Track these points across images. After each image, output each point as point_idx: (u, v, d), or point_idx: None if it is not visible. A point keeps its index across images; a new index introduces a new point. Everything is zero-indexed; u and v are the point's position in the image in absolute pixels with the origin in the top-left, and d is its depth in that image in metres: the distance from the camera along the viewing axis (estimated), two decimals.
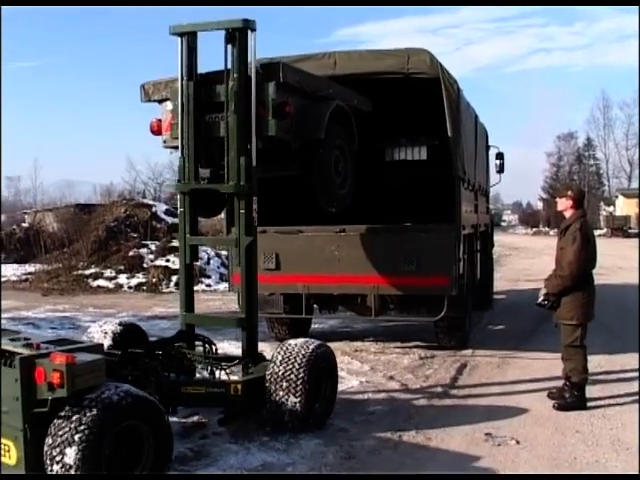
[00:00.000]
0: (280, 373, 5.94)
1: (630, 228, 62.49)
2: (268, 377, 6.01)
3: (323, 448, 5.77)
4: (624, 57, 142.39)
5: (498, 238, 22.53)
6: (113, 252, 20.71)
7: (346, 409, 6.84)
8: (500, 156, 14.72)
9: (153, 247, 20.57)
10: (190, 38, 6.33)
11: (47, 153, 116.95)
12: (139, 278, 18.96)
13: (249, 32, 6.14)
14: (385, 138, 10.90)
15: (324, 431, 6.19)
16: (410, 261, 8.75)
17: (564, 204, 7.15)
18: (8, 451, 4.47)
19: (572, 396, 7.01)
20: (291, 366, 5.96)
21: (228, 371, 6.51)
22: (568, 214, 7.13)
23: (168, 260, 19.49)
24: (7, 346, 4.74)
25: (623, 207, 71.82)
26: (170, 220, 24.48)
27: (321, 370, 6.22)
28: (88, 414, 4.30)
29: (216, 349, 6.79)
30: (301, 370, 5.94)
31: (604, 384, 7.91)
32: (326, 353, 6.40)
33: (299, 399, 5.89)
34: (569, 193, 7.16)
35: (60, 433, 4.29)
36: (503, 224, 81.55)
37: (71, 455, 4.23)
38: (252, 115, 6.15)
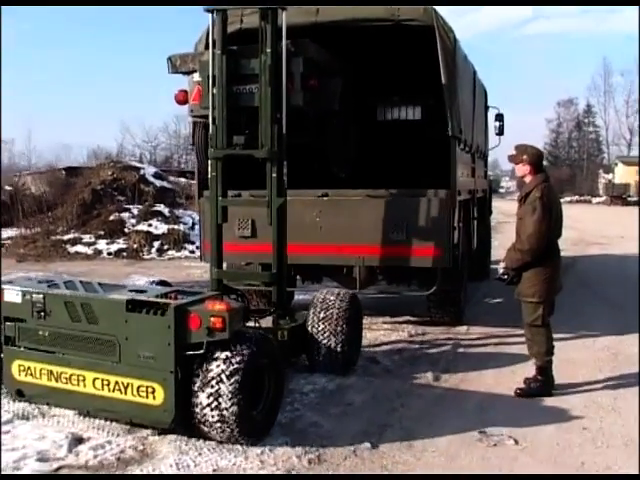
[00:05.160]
0: (321, 320, 6.64)
1: (629, 196, 61.71)
2: (310, 324, 6.67)
3: (289, 449, 4.91)
4: (627, 23, 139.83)
5: (496, 204, 21.67)
6: (93, 216, 19.79)
7: (321, 398, 6.04)
8: (500, 117, 13.71)
9: (135, 211, 19.64)
10: (223, 14, 6.59)
11: (42, 115, 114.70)
12: (119, 244, 18.06)
13: (280, 11, 6.46)
14: (377, 96, 10.16)
15: (293, 426, 5.37)
16: (399, 230, 7.94)
17: (522, 170, 6.38)
18: (152, 392, 4.84)
19: (535, 381, 6.31)
20: (330, 314, 6.65)
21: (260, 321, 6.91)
22: (528, 180, 6.36)
23: (150, 225, 18.64)
24: (139, 297, 5.12)
25: (622, 175, 70.85)
26: (159, 183, 23.67)
27: (353, 317, 6.81)
28: (243, 352, 4.81)
29: (249, 302, 7.34)
30: (340, 317, 6.63)
31: (612, 369, 7.13)
32: (357, 301, 7.08)
33: (339, 343, 6.57)
34: (524, 157, 6.34)
35: (217, 370, 4.75)
36: (501, 190, 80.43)
37: (227, 388, 4.72)
38: (282, 87, 6.50)
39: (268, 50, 6.40)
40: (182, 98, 7.83)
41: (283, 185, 6.67)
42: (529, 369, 6.59)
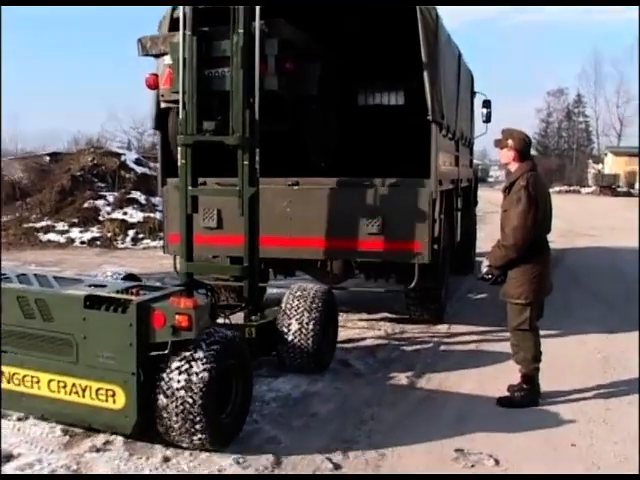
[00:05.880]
0: (296, 298, 6.39)
1: (619, 186, 61.36)
2: (280, 320, 6.35)
3: (239, 468, 4.37)
4: (617, 13, 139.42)
5: (485, 194, 21.14)
6: (67, 204, 19.12)
7: (283, 408, 5.48)
8: (487, 104, 13.11)
9: (111, 198, 18.99)
10: None
11: (31, 100, 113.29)
12: (93, 232, 17.41)
13: None
14: (359, 80, 9.78)
15: (249, 441, 4.80)
16: (374, 222, 7.39)
17: (506, 156, 5.82)
18: (112, 396, 4.54)
19: (520, 390, 5.77)
20: (307, 293, 6.43)
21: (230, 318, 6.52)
22: (513, 168, 5.81)
23: (125, 213, 18.03)
24: (98, 292, 4.77)
25: (612, 165, 70.61)
26: (140, 170, 23.04)
27: (327, 314, 6.50)
28: (208, 353, 4.48)
29: (218, 297, 7.07)
30: (316, 296, 6.41)
31: (603, 375, 6.59)
32: (332, 297, 6.76)
33: (310, 341, 6.22)
34: (509, 142, 5.77)
35: (182, 372, 4.42)
36: (490, 180, 79.93)
37: (193, 391, 4.38)
38: (255, 70, 6.22)
39: (240, 31, 6.09)
40: (153, 82, 7.46)
41: (255, 174, 6.34)
42: (514, 373, 5.97)
